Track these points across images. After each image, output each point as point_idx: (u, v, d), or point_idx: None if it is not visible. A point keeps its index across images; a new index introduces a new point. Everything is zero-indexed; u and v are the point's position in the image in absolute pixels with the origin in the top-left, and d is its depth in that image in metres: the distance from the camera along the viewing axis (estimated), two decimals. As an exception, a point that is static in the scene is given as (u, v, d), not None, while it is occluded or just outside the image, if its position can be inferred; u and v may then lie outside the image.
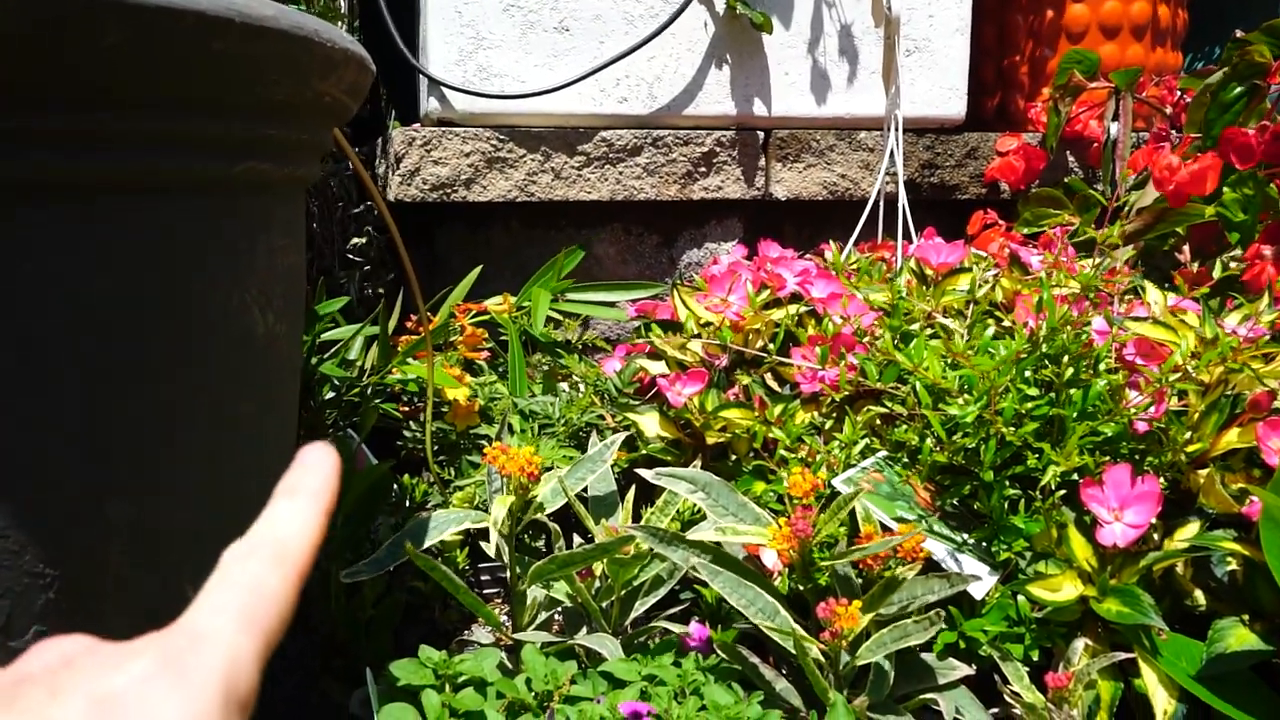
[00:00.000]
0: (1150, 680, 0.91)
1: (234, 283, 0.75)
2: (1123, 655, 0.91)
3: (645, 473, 1.01)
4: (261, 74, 0.69)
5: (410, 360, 1.43)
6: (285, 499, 0.32)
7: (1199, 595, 0.98)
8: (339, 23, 2.07)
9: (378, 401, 1.43)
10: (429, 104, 1.69)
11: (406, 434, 1.45)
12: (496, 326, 1.60)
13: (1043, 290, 1.06)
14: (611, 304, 1.60)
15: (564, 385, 1.53)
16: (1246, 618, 0.93)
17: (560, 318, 1.62)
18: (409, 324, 1.60)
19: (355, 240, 1.75)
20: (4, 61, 0.57)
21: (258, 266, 0.78)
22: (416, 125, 1.69)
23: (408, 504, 1.34)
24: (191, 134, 0.68)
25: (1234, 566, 0.97)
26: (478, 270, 1.55)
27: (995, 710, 0.93)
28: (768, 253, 1.51)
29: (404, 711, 0.92)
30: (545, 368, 1.57)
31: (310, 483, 0.33)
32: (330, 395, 1.41)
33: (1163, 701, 0.90)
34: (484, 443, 1.45)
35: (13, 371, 0.62)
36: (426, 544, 1.01)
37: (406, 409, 1.48)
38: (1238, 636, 0.91)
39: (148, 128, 0.65)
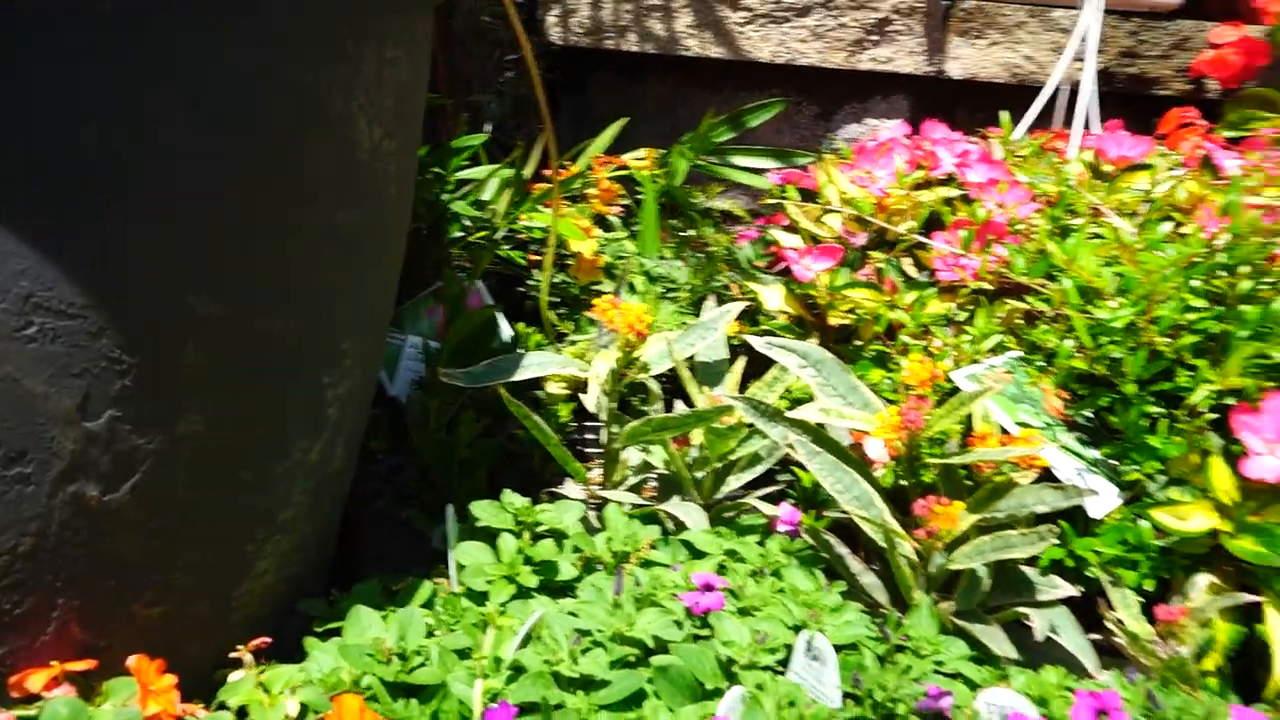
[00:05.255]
0: (1275, 627, 0.82)
1: (336, 86, 0.72)
2: (1250, 598, 0.82)
3: (754, 340, 0.95)
4: None
5: (540, 208, 1.40)
6: None
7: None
8: None
9: (506, 247, 1.42)
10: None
11: (530, 283, 1.43)
12: (636, 184, 1.54)
13: (1231, 191, 0.93)
14: (758, 171, 1.52)
15: (697, 252, 1.47)
16: None
17: (708, 180, 1.56)
18: (547, 172, 1.56)
19: (503, 78, 1.72)
20: None
21: (365, 74, 0.75)
22: (577, -34, 1.63)
23: (520, 351, 1.32)
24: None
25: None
26: (622, 122, 1.49)
27: (1095, 636, 0.86)
28: (932, 133, 1.40)
29: (480, 551, 0.91)
30: (681, 233, 1.52)
31: None
32: (459, 234, 1.39)
33: (1288, 653, 0.82)
34: (606, 299, 1.41)
35: (92, 152, 0.61)
36: (519, 377, 1.00)
37: (534, 257, 1.46)
38: (1395, 598, 0.81)
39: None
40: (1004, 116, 1.33)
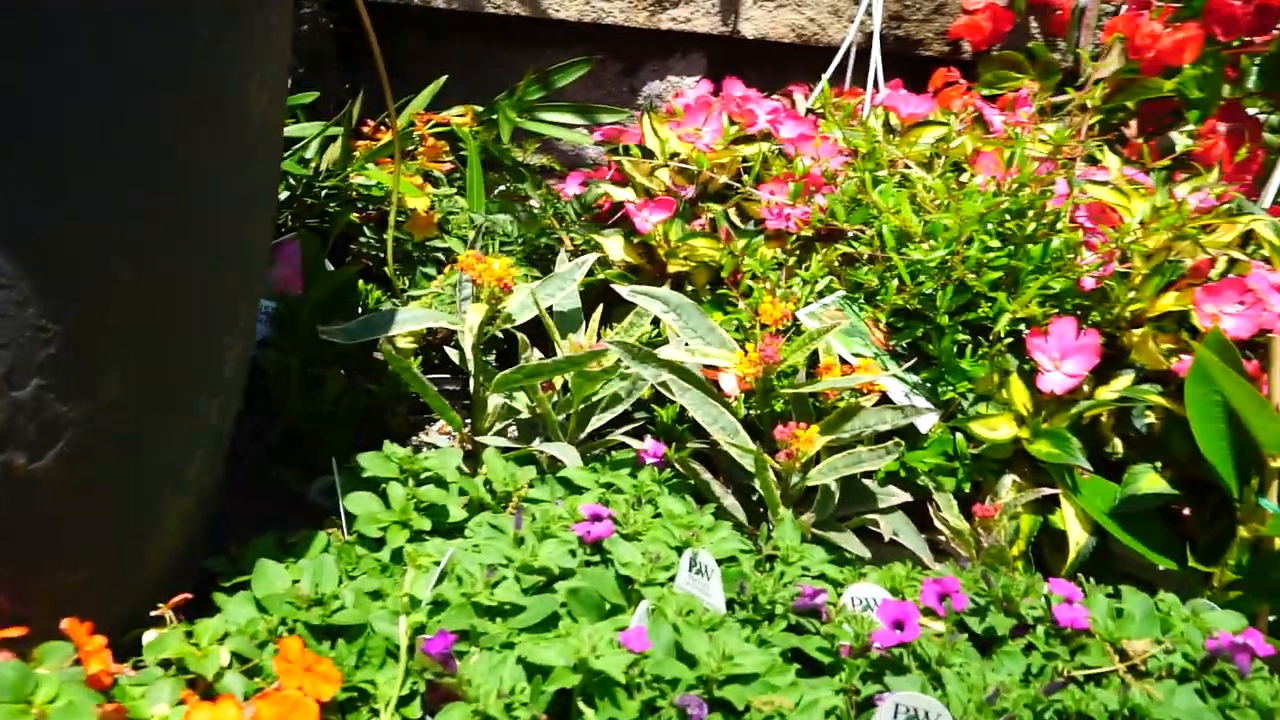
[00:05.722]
0: (1068, 515, 0.99)
1: (238, 54, 0.73)
2: (1047, 491, 0.98)
3: (621, 288, 1.03)
4: None
5: (369, 166, 1.41)
6: None
7: (1118, 444, 1.06)
8: None
9: (335, 205, 1.41)
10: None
11: (361, 240, 1.44)
12: (456, 140, 1.57)
13: (1016, 146, 1.09)
14: (570, 126, 1.59)
15: (524, 205, 1.52)
16: (1159, 465, 1.01)
17: (525, 136, 1.60)
18: (364, 129, 1.56)
19: (297, 32, 1.69)
20: None
21: (256, 42, 0.76)
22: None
23: (361, 310, 1.34)
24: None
25: (1152, 419, 1.05)
26: (443, 80, 1.51)
27: (926, 535, 1.00)
28: (733, 90, 1.50)
29: (370, 500, 0.95)
30: (502, 187, 1.56)
31: None
32: (284, 194, 1.38)
33: (1077, 534, 0.98)
34: (440, 255, 1.44)
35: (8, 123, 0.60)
36: (394, 332, 1.03)
37: (360, 215, 1.46)
38: (1149, 480, 0.99)
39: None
40: (824, 79, 1.46)
